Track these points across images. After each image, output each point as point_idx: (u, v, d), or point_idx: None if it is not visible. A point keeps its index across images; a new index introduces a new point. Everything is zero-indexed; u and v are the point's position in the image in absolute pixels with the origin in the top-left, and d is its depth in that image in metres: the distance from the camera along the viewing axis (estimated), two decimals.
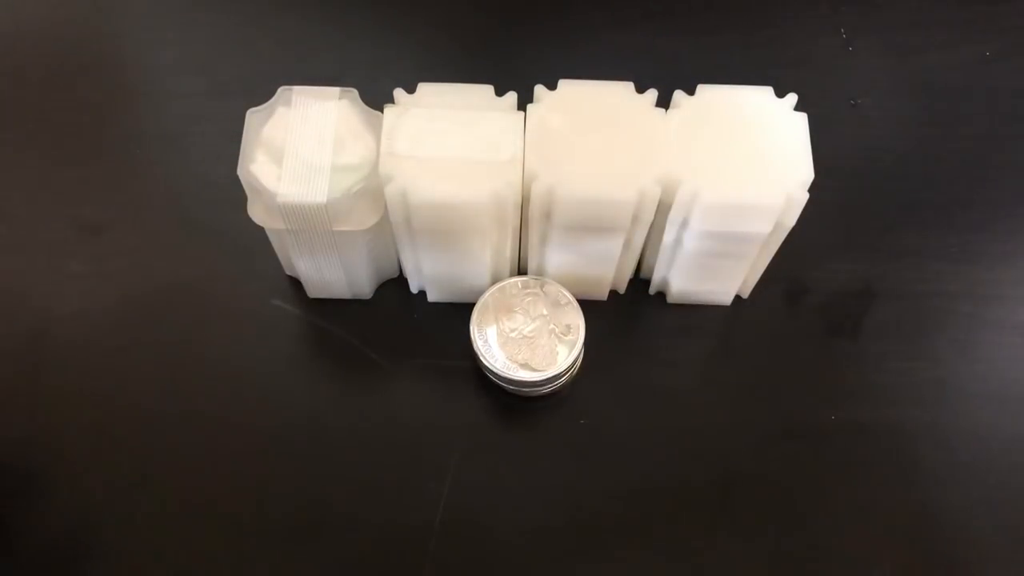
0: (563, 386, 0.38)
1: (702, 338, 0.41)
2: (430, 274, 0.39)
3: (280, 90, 0.36)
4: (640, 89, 0.36)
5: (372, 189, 0.34)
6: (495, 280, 0.39)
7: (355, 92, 0.36)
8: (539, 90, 0.36)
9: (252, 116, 0.35)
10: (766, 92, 0.36)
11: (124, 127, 0.46)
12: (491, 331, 0.37)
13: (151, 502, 0.37)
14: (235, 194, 0.36)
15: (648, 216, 0.35)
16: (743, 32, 0.49)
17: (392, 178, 0.33)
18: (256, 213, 0.35)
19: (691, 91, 0.36)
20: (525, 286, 0.38)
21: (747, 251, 0.37)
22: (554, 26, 0.49)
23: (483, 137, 0.34)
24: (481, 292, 0.38)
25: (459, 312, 0.38)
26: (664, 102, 0.36)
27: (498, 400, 0.39)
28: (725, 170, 0.34)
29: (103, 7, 0.49)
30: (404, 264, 0.40)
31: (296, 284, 0.41)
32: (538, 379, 0.37)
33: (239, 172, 0.34)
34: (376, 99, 0.36)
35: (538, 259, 0.39)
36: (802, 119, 0.35)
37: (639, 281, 0.42)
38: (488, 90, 0.36)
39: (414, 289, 0.41)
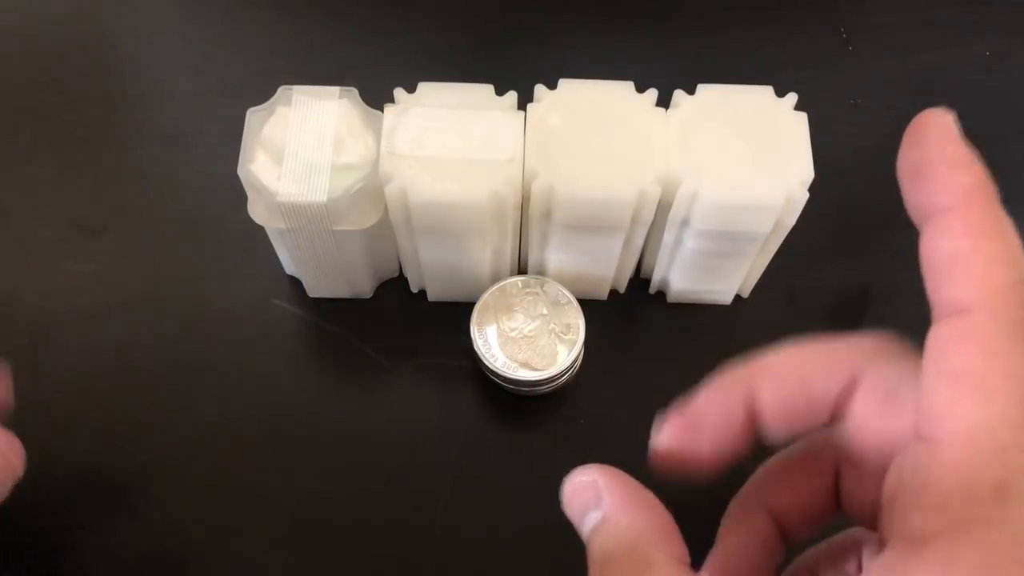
0: (563, 386, 0.38)
1: (702, 338, 0.41)
2: (430, 274, 0.39)
3: (280, 90, 0.36)
4: (640, 89, 0.36)
5: (372, 189, 0.34)
6: (495, 280, 0.39)
7: (355, 92, 0.36)
8: (539, 90, 0.36)
9: (252, 116, 0.35)
10: (766, 92, 0.36)
11: (124, 127, 0.46)
12: (491, 331, 0.37)
13: (150, 501, 0.37)
14: (235, 194, 0.36)
15: (648, 216, 0.35)
16: (743, 32, 0.49)
17: (392, 178, 0.33)
18: (256, 213, 0.35)
19: (691, 91, 0.36)
20: (525, 286, 0.38)
21: (747, 250, 0.37)
22: (554, 26, 0.49)
23: (483, 137, 0.34)
24: (481, 292, 0.38)
25: (459, 312, 0.38)
26: (664, 102, 0.36)
27: (498, 400, 0.39)
28: (725, 170, 0.34)
29: (104, 7, 0.49)
30: (404, 264, 0.40)
31: (296, 284, 0.41)
32: (538, 379, 0.37)
33: (239, 172, 0.34)
34: (376, 99, 0.36)
35: (538, 259, 0.39)
36: (802, 119, 0.35)
37: (639, 281, 0.42)
38: (488, 90, 0.36)
39: (414, 289, 0.41)
